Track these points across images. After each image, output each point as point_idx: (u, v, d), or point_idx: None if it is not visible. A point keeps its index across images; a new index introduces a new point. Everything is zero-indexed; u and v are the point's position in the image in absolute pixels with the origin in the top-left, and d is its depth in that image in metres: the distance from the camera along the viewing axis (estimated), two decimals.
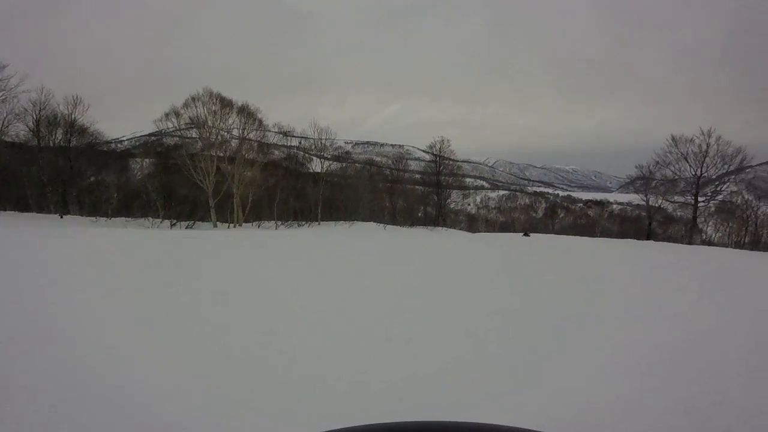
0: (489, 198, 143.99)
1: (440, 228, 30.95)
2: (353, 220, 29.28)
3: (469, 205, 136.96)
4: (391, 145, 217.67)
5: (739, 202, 32.34)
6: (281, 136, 34.69)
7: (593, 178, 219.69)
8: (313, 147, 34.18)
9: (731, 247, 27.77)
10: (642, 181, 30.88)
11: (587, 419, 3.11)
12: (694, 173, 28.92)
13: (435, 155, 36.90)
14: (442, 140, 36.30)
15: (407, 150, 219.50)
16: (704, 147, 28.27)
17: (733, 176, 31.05)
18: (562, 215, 61.09)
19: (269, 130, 31.59)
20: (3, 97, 22.79)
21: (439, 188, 36.23)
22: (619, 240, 27.83)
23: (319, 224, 29.25)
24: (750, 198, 33.17)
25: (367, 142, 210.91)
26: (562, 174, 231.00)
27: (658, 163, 29.82)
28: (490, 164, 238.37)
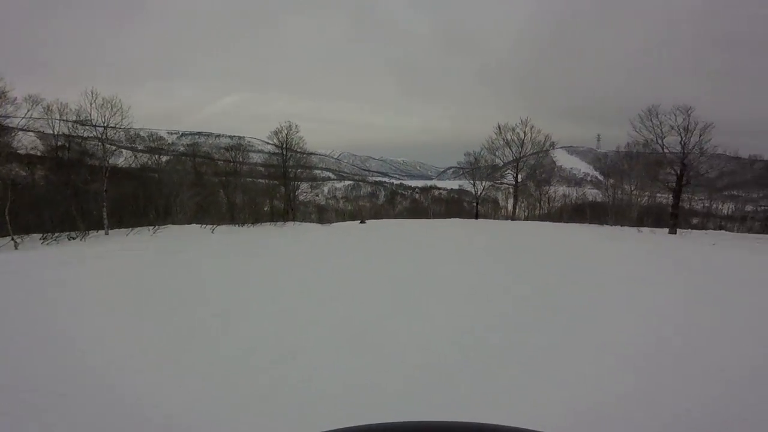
0: (336, 188, 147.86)
1: (291, 223, 29.61)
2: (165, 224, 22.76)
3: (317, 196, 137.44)
4: (230, 136, 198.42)
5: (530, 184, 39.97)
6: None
7: (418, 168, 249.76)
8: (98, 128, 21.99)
9: (533, 219, 35.74)
10: (469, 167, 35.35)
11: None
12: (514, 157, 33.79)
13: (281, 144, 33.86)
14: (290, 126, 33.72)
15: (249, 141, 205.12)
16: (521, 135, 33.42)
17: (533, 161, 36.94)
18: (400, 201, 67.50)
19: None
20: None
21: (287, 180, 33.79)
22: (447, 219, 32.39)
23: (106, 234, 20.39)
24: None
25: (199, 133, 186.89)
26: (395, 165, 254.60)
27: (487, 149, 34.47)
28: (335, 156, 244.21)
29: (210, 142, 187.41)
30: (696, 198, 35.69)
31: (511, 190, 43.26)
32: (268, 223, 28.38)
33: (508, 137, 34.02)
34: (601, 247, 14.78)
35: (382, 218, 40.93)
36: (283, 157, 34.30)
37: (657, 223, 28.85)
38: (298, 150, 35.49)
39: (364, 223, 25.99)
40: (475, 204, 35.61)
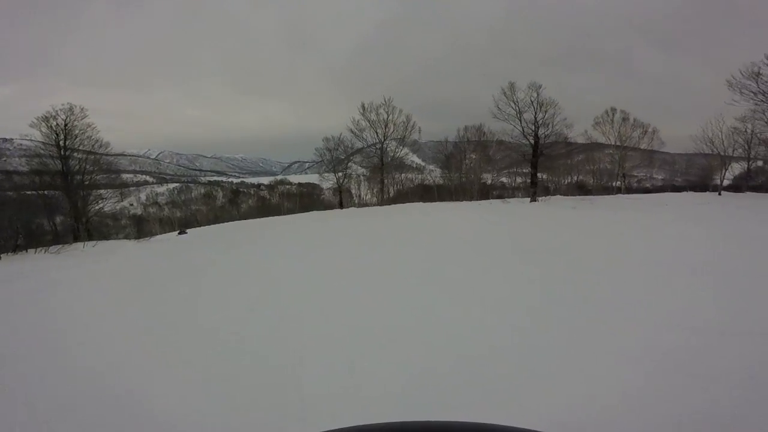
0: (157, 193, 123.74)
1: (82, 244, 20.40)
2: None
3: (132, 204, 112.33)
4: None
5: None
6: None
7: (261, 164, 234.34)
8: None
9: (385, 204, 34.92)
10: (329, 155, 32.53)
11: None
12: (379, 139, 32.34)
13: (56, 135, 23.38)
14: (71, 109, 23.30)
15: (19, 144, 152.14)
16: (385, 115, 32.04)
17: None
18: (247, 200, 59.35)
19: None
20: None
21: (70, 187, 23.69)
22: (304, 213, 28.53)
23: None
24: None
25: None
26: (233, 162, 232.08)
27: (352, 131, 32.14)
28: (153, 156, 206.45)
29: None
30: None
31: (363, 178, 42.17)
32: (41, 250, 18.61)
33: (372, 117, 32.20)
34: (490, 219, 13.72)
35: (224, 221, 34.02)
36: (60, 155, 23.60)
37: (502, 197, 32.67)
38: (85, 148, 24.96)
39: (185, 233, 19.62)
40: (338, 194, 33.15)
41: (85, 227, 23.53)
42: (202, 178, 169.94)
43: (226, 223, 25.54)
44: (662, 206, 17.36)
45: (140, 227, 43.38)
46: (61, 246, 17.09)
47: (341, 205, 30.91)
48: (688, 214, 14.50)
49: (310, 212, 28.79)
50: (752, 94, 22.22)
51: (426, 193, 45.79)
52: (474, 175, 38.01)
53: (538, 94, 26.13)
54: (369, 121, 32.42)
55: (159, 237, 22.16)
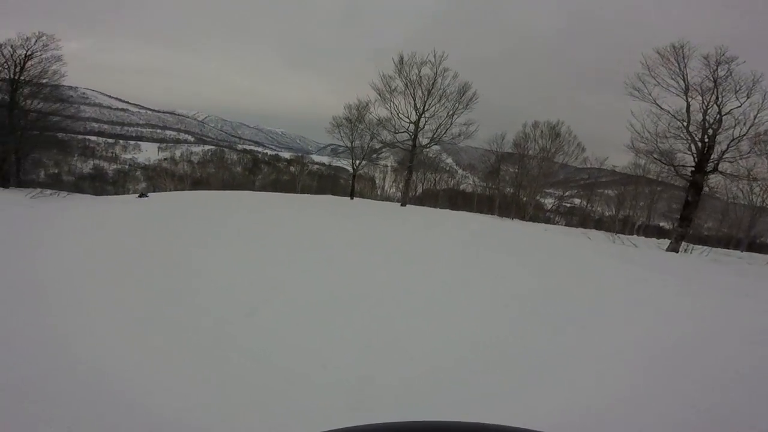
0: (192, 152, 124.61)
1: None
2: None
3: (166, 159, 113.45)
4: (60, 86, 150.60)
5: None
6: None
7: (298, 141, 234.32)
8: None
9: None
10: (348, 125, 23.76)
11: None
12: (417, 112, 21.03)
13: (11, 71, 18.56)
14: (38, 38, 18.88)
15: (83, 93, 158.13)
16: (432, 75, 21.04)
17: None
18: (265, 170, 56.39)
19: None
20: None
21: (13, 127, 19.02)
22: (318, 196, 24.45)
23: None
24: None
25: (28, 82, 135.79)
26: (272, 135, 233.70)
27: (380, 94, 21.78)
28: (200, 118, 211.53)
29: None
30: None
31: (390, 169, 37.25)
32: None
33: (412, 76, 20.58)
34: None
35: (236, 189, 30.66)
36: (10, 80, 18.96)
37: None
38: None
39: (145, 196, 15.83)
40: (351, 180, 26.15)
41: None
42: (239, 145, 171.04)
43: (208, 192, 21.48)
44: None
45: (151, 182, 41.03)
46: None
47: (352, 195, 25.25)
48: None
49: (317, 196, 24.68)
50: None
51: (458, 199, 40.89)
52: (530, 189, 31.91)
53: (729, 67, 13.42)
54: (407, 81, 20.69)
55: (119, 197, 18.54)
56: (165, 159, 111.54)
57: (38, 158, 26.32)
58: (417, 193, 37.55)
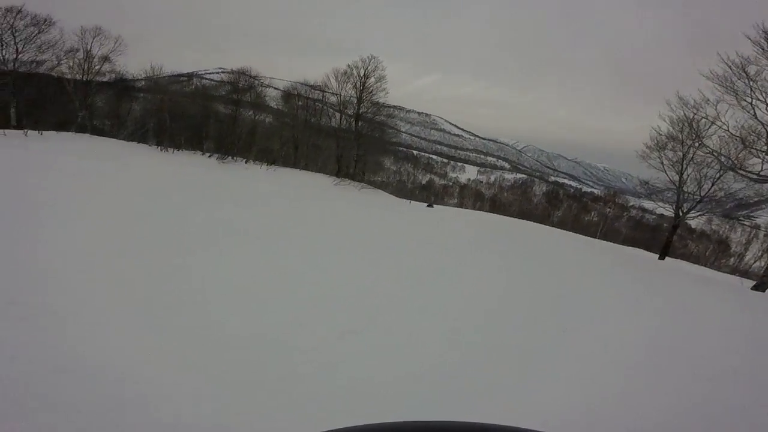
0: (504, 179, 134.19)
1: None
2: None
3: (481, 181, 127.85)
4: (418, 112, 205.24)
5: None
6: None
7: (623, 180, 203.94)
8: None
9: None
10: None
11: None
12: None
13: (355, 84, 24.24)
14: (370, 60, 23.82)
15: (433, 119, 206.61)
16: None
17: None
18: (565, 206, 52.39)
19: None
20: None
21: (358, 134, 25.19)
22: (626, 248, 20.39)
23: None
24: None
25: (395, 107, 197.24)
26: (592, 170, 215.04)
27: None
28: (518, 147, 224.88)
29: (402, 115, 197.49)
30: None
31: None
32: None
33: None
34: None
35: (526, 218, 30.64)
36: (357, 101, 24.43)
37: None
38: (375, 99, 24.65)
39: (431, 207, 20.17)
40: (670, 230, 17.77)
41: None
42: (552, 177, 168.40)
43: (492, 215, 22.45)
44: None
45: (461, 197, 47.10)
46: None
47: (663, 253, 17.34)
48: None
49: (620, 246, 20.46)
50: None
51: None
52: None
53: None
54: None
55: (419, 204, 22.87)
56: (481, 181, 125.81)
57: (378, 160, 35.17)
58: None
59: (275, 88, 34.82)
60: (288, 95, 28.06)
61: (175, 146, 23.24)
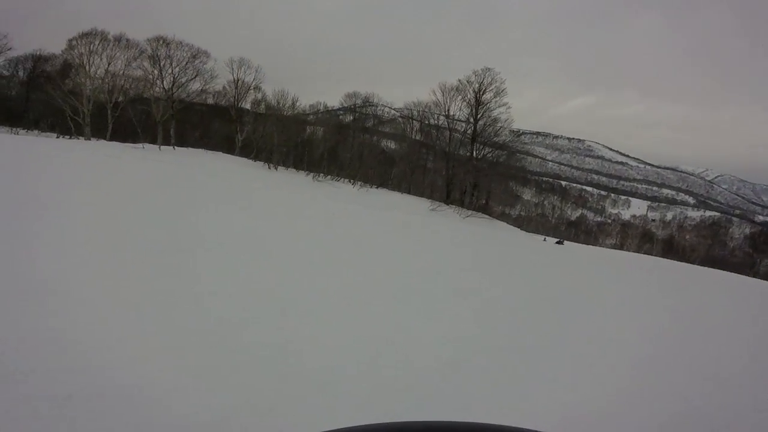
0: (687, 217, 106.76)
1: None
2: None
3: (654, 220, 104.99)
4: (568, 138, 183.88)
5: None
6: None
7: None
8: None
9: None
10: None
11: None
12: None
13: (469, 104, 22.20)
14: (485, 72, 21.59)
15: (588, 146, 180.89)
16: None
17: None
18: None
19: None
20: None
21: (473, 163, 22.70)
22: None
23: None
24: None
25: (538, 133, 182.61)
26: None
27: None
28: (708, 178, 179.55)
29: (547, 142, 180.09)
30: None
31: None
32: None
33: None
34: None
35: (712, 266, 22.04)
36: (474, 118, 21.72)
37: None
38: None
39: (561, 244, 15.18)
40: None
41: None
42: (760, 216, 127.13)
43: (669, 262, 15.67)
44: None
45: (621, 237, 38.43)
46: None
47: None
48: None
49: None
50: None
51: None
52: None
53: None
54: None
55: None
56: (653, 219, 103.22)
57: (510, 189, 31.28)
58: None
59: (391, 108, 35.27)
60: (403, 118, 27.85)
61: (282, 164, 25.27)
